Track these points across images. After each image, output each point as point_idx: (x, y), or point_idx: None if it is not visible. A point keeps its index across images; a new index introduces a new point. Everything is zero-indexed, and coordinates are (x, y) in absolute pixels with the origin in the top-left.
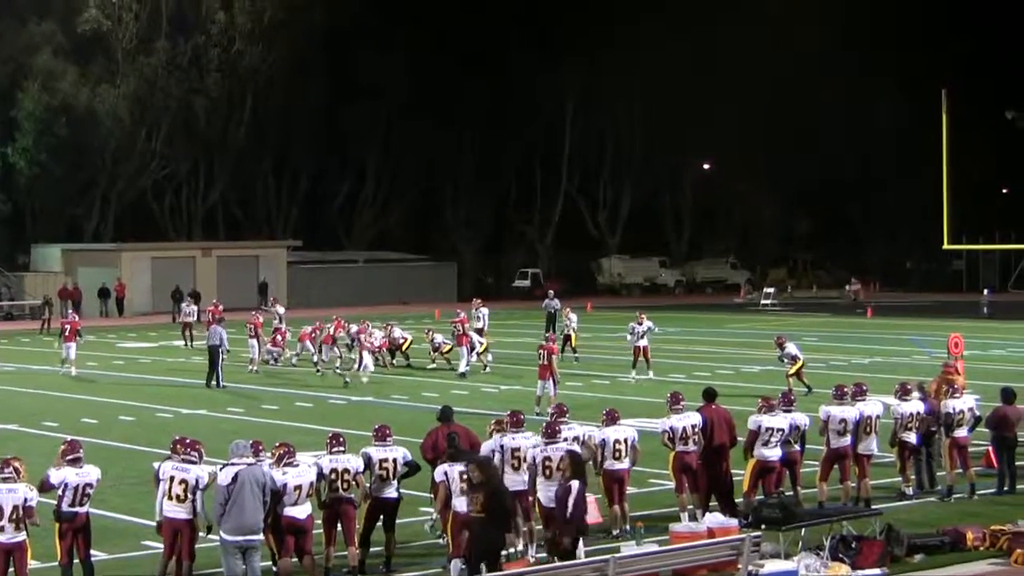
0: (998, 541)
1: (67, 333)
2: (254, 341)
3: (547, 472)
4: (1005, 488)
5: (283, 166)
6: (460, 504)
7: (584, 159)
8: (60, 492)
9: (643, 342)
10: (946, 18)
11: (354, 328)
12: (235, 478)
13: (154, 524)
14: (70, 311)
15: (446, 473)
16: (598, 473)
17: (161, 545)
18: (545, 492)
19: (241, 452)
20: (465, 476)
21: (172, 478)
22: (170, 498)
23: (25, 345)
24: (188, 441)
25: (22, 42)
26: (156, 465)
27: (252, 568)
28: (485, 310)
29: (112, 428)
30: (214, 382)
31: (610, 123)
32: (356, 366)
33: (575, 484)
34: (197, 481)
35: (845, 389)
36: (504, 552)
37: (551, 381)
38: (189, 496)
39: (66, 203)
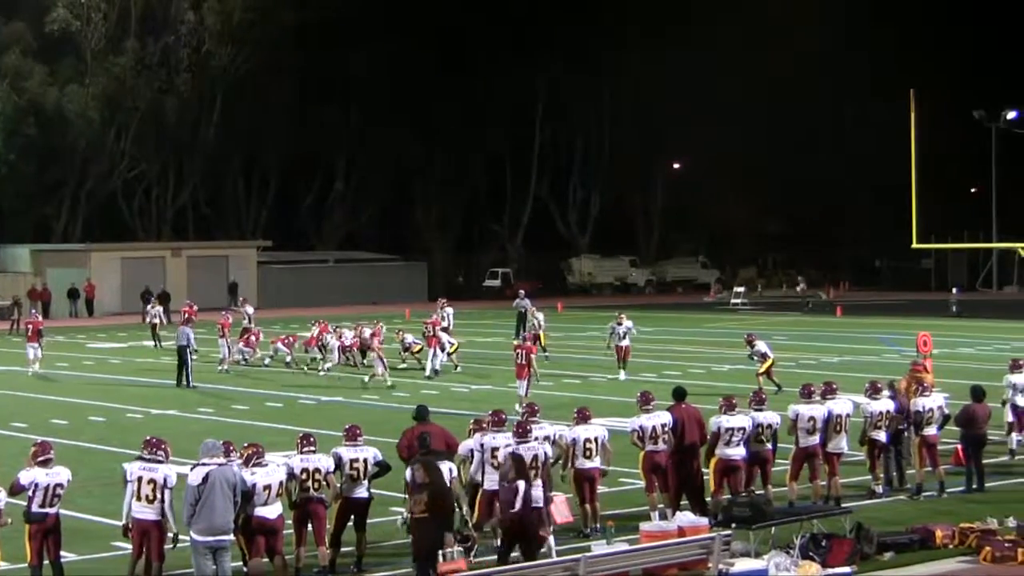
0: (967, 539)
1: (29, 334)
2: (223, 341)
3: None
4: (974, 486)
5: (253, 166)
6: None
7: (554, 159)
8: (30, 493)
9: (625, 342)
10: (916, 19)
11: (367, 332)
12: (206, 478)
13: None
14: (33, 311)
15: None
16: (563, 476)
17: (131, 546)
18: None
19: (212, 452)
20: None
21: (140, 478)
22: (139, 499)
23: None
24: (154, 441)
25: None
26: (125, 466)
27: (222, 568)
28: (450, 309)
29: (82, 429)
30: (184, 382)
31: (580, 123)
32: (381, 370)
33: (520, 484)
34: (165, 480)
35: (812, 388)
36: (441, 552)
37: (528, 381)
38: (158, 496)
39: (35, 203)
